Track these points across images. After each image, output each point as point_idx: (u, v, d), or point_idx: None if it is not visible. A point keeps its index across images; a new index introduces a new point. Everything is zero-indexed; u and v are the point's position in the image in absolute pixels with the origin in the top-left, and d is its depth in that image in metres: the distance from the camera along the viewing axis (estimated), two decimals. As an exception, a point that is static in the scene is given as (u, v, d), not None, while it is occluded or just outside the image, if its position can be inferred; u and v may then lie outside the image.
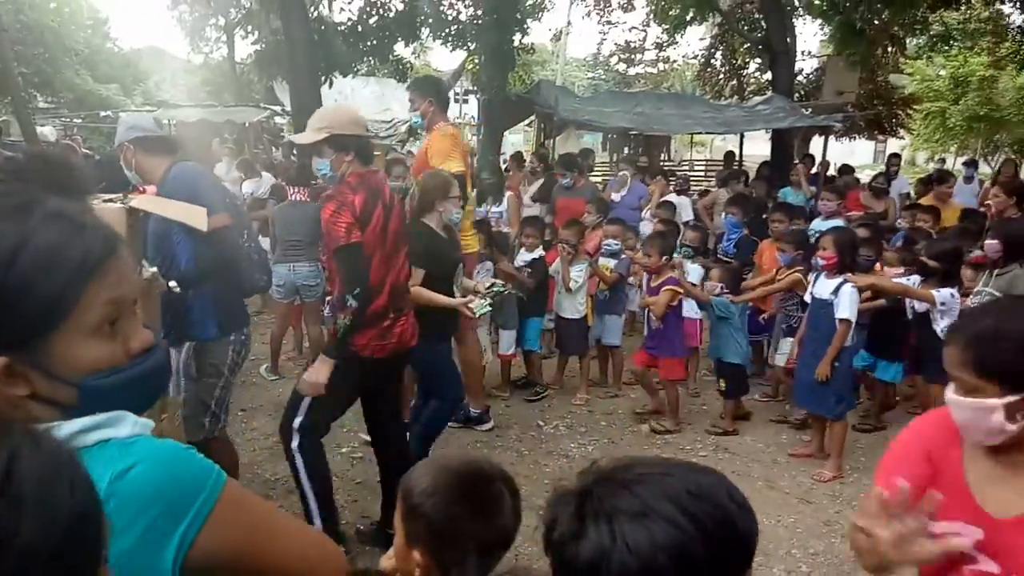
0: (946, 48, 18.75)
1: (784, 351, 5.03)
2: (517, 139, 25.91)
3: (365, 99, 20.64)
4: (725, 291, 4.92)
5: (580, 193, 6.72)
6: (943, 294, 4.24)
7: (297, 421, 3.03)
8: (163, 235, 2.98)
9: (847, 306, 4.17)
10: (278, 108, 17.08)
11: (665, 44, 18.86)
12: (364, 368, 3.06)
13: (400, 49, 13.63)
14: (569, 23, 26.18)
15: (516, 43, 11.78)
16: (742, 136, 13.17)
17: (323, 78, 11.70)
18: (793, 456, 4.61)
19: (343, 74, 12.19)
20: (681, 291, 4.80)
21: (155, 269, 2.88)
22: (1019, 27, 13.51)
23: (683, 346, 5.02)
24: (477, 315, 3.84)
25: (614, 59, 23.58)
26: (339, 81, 15.25)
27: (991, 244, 4.32)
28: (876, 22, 13.79)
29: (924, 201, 7.53)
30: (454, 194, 3.85)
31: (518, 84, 19.79)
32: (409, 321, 3.22)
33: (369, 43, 12.05)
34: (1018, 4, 12.98)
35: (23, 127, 12.67)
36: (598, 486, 0.89)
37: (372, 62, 13.02)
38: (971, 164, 10.45)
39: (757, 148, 16.73)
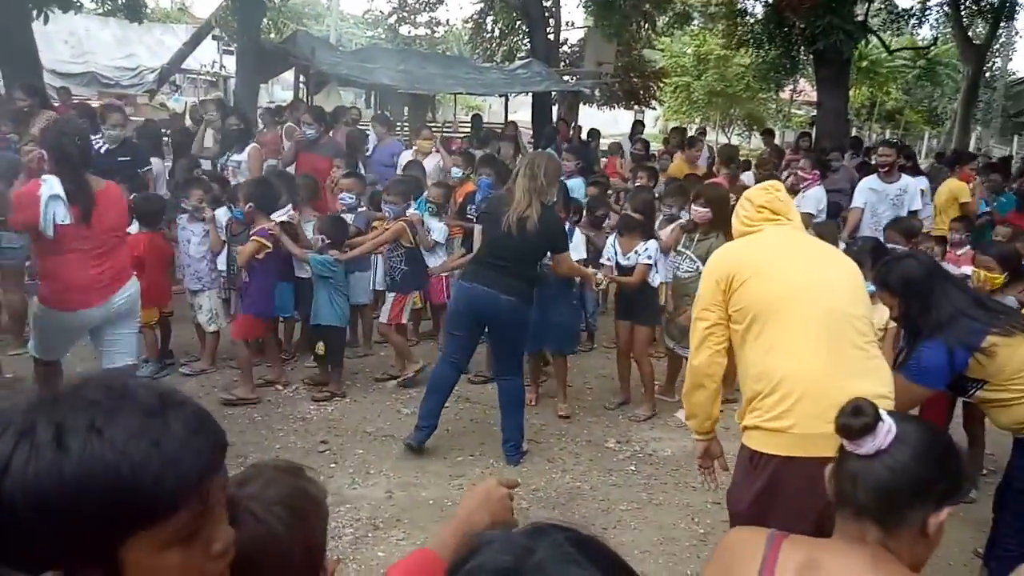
0: (686, 27, 20.65)
1: (387, 306, 4.96)
2: (288, 95, 24.49)
3: (104, 43, 18.24)
4: (327, 243, 4.65)
5: (324, 150, 6.43)
6: (650, 249, 4.55)
7: None
8: None
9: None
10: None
11: (434, 3, 18.74)
12: None
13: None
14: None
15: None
16: (507, 99, 13.52)
17: (36, 12, 10.05)
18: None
19: (63, 9, 10.55)
20: (269, 244, 4.51)
21: None
22: (740, 10, 15.18)
23: (268, 305, 4.72)
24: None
25: (393, 18, 23.07)
26: (67, 20, 13.28)
27: (699, 211, 4.46)
28: (627, -3, 14.78)
29: (673, 164, 8.17)
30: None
31: (282, 36, 18.61)
32: None
33: (94, -25, 10.52)
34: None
35: None
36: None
37: (100, -2, 11.42)
38: (701, 133, 11.67)
39: (528, 114, 17.36)
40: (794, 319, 2.19)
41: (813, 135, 12.01)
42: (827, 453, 2.05)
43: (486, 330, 4.10)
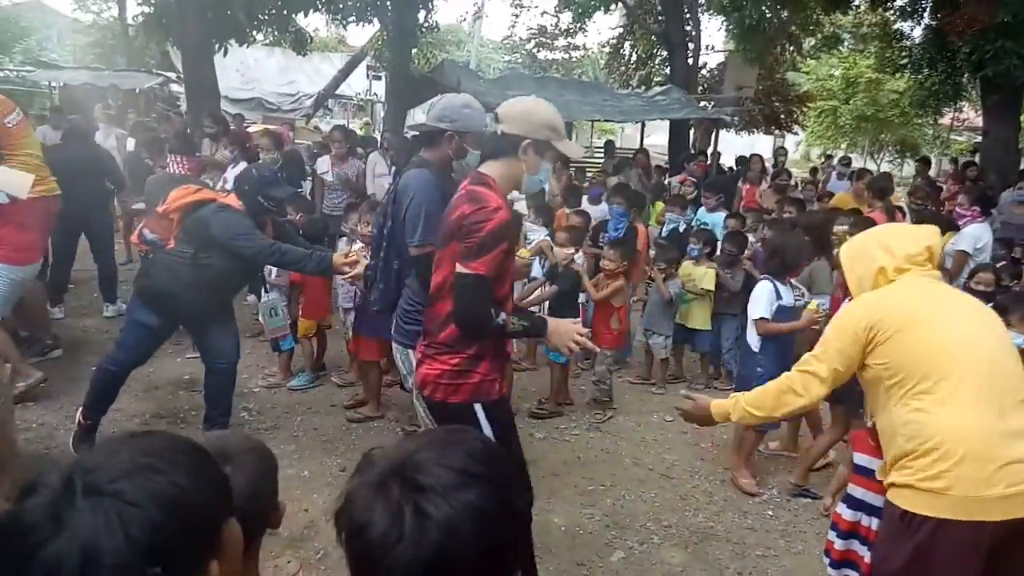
0: (835, 49, 19.73)
1: None
2: (429, 119, 25.53)
3: (268, 71, 19.91)
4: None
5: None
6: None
7: None
8: None
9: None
10: (173, 75, 16.25)
11: (573, 30, 19.03)
12: None
13: (310, 21, 13.22)
14: (480, 4, 26.02)
15: (421, 20, 11.61)
16: (643, 125, 13.48)
17: (217, 46, 11.20)
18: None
19: (239, 42, 11.69)
20: None
21: None
22: (896, 32, 14.31)
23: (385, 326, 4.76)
24: None
25: (531, 43, 23.67)
26: (241, 51, 14.61)
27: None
28: (774, 21, 14.36)
29: (838, 196, 7.70)
30: None
31: (429, 64, 19.54)
32: None
33: (268, 12, 11.58)
34: (898, 12, 13.77)
35: None
36: (400, 471, 0.91)
37: (271, 31, 12.53)
38: (846, 162, 11.11)
39: (663, 139, 17.18)
40: (952, 375, 2.05)
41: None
42: (989, 518, 1.96)
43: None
